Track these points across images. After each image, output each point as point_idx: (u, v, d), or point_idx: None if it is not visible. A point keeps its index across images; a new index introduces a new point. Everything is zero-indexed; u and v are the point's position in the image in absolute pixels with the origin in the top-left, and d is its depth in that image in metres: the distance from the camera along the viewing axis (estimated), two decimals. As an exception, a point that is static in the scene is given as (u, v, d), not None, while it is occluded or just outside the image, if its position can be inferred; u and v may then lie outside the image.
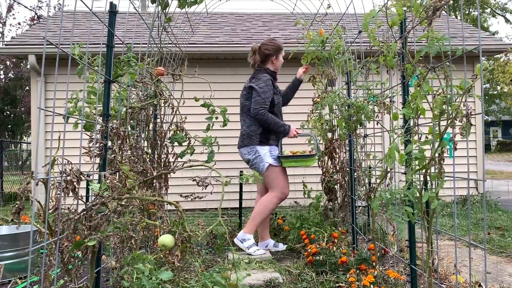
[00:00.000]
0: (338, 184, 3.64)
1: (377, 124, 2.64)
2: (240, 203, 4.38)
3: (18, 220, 1.37)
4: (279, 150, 3.29)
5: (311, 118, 3.81)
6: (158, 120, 3.00)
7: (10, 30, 28.10)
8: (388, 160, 1.93)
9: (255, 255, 3.05)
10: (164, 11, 2.68)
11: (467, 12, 26.65)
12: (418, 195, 1.85)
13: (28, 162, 11.97)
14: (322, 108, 3.61)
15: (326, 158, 3.79)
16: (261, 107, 3.15)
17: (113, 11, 2.10)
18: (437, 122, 1.76)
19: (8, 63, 14.03)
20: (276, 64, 3.38)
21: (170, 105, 2.98)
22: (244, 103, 3.30)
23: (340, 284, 2.44)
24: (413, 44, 1.95)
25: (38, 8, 17.20)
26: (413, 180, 1.87)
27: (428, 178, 1.85)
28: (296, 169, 4.35)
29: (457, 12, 24.93)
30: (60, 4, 16.61)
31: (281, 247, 3.35)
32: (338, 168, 3.67)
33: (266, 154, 3.20)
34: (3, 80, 14.51)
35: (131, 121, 2.49)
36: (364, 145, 3.02)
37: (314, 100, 3.87)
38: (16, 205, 1.35)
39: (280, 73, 3.53)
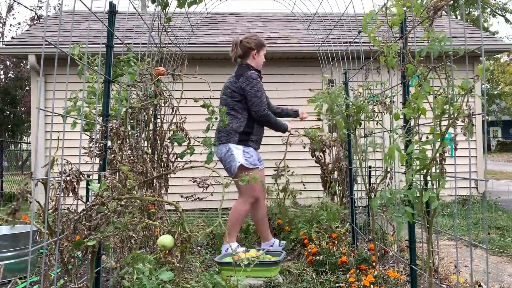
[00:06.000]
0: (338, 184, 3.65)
1: (377, 124, 2.64)
2: (240, 203, 4.36)
3: (13, 220, 1.36)
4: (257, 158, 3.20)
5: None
6: (158, 120, 3.00)
7: (10, 30, 28.07)
8: (388, 160, 1.92)
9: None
10: (164, 11, 2.68)
11: (467, 12, 26.65)
12: (418, 195, 1.85)
13: (28, 162, 11.97)
14: (319, 106, 3.59)
15: (322, 155, 3.79)
16: (263, 107, 3.12)
17: (112, 11, 2.09)
18: (438, 122, 1.76)
19: (8, 63, 14.04)
20: (257, 59, 3.26)
21: (170, 105, 2.98)
22: (227, 101, 3.20)
23: (340, 284, 2.44)
24: (413, 44, 1.95)
25: (38, 8, 17.21)
26: (414, 180, 1.86)
27: (429, 178, 1.84)
28: (296, 169, 4.34)
29: (456, 12, 24.93)
30: (60, 4, 16.60)
31: (282, 243, 3.34)
32: (336, 168, 3.68)
33: (239, 153, 3.09)
34: (3, 80, 14.51)
35: (131, 121, 2.49)
36: (365, 145, 3.02)
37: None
38: (12, 206, 1.35)
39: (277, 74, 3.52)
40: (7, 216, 1.33)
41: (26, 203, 1.46)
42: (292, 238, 3.46)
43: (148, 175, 2.49)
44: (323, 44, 4.22)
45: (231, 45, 3.33)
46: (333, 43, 4.06)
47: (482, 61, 1.55)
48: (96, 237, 1.63)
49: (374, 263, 2.58)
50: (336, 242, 3.07)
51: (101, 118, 2.08)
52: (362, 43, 3.01)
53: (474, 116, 1.66)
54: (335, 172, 3.73)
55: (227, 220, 3.20)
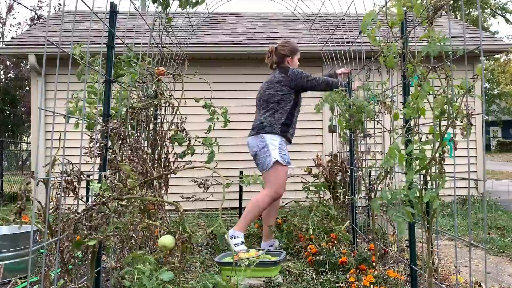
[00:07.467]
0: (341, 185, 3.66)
1: (377, 124, 2.64)
2: (240, 203, 4.37)
3: (20, 220, 1.37)
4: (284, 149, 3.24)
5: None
6: (159, 120, 3.00)
7: (10, 30, 28.08)
8: (388, 160, 1.93)
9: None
10: (165, 11, 2.68)
11: (467, 12, 26.65)
12: (418, 195, 1.85)
13: (28, 162, 11.97)
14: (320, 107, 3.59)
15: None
16: (309, 77, 3.23)
17: (113, 11, 2.10)
18: (438, 122, 1.76)
19: (8, 63, 14.05)
20: (291, 65, 3.39)
21: (171, 105, 2.98)
22: (272, 94, 3.26)
23: (340, 284, 2.44)
24: (414, 44, 1.95)
25: (38, 8, 17.22)
26: (414, 180, 1.87)
27: (429, 178, 1.84)
28: (295, 169, 4.34)
29: (457, 12, 24.94)
30: (60, 4, 16.61)
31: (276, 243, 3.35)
32: (340, 168, 3.69)
33: (275, 149, 3.14)
34: (3, 80, 14.53)
35: (132, 121, 2.49)
36: (365, 145, 3.02)
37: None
38: (17, 205, 1.35)
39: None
40: (13, 215, 1.34)
41: (27, 203, 1.47)
42: (291, 237, 3.45)
43: (148, 175, 2.49)
44: (326, 44, 4.22)
45: (266, 52, 3.42)
46: (336, 43, 4.06)
47: (481, 61, 1.55)
48: (97, 237, 1.64)
49: (374, 263, 2.58)
50: (336, 242, 3.07)
51: (101, 118, 2.09)
52: (364, 43, 3.01)
53: (473, 116, 1.66)
54: (339, 174, 3.74)
55: (227, 220, 3.20)
